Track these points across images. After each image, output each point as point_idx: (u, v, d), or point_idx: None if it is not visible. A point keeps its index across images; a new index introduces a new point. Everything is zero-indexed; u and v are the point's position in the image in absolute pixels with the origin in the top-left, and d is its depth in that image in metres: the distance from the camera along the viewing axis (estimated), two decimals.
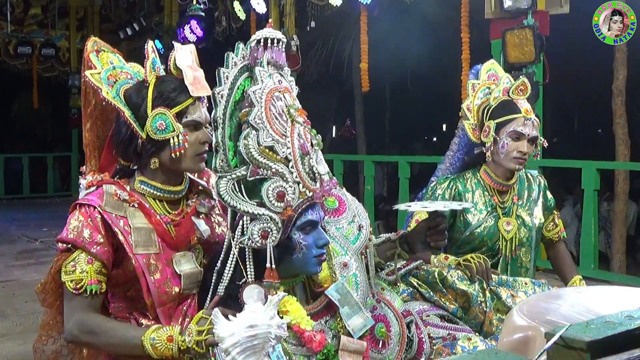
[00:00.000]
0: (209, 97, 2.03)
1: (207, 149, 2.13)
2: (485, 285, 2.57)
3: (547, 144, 3.04)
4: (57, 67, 13.74)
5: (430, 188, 3.04)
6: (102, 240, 2.03)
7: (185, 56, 2.12)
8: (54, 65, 13.69)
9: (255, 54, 1.85)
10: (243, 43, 1.91)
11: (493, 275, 2.63)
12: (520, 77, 2.96)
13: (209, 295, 1.95)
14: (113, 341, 2.00)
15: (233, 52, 1.90)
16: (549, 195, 3.12)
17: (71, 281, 2.02)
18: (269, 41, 1.84)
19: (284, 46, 1.89)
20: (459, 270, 2.59)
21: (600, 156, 6.87)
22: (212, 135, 1.92)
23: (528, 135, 2.87)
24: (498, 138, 2.89)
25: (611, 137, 6.80)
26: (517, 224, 2.94)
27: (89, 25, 14.06)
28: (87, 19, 14.05)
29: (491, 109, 2.94)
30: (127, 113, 2.09)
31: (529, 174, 3.12)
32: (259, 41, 1.85)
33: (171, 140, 2.06)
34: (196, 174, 2.34)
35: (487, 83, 3.07)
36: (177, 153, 2.07)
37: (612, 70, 6.59)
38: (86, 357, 2.26)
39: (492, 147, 2.91)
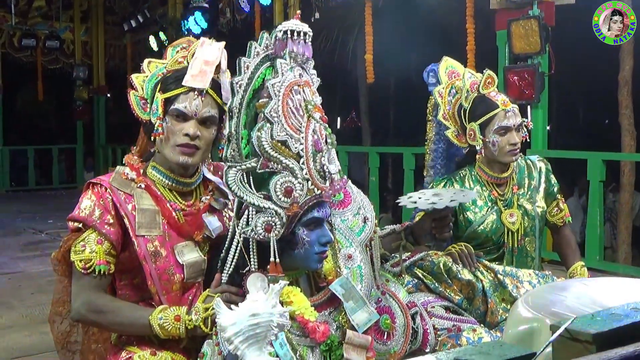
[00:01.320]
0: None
1: (192, 143, 2.07)
2: (474, 270, 2.55)
3: (532, 125, 3.02)
4: (62, 59, 13.77)
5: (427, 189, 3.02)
6: (112, 221, 2.05)
7: (208, 51, 2.12)
8: (59, 57, 13.71)
9: (280, 45, 1.82)
10: (268, 32, 1.89)
11: (486, 263, 2.63)
12: (485, 70, 2.95)
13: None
14: (120, 320, 2.03)
15: (256, 42, 1.87)
16: (553, 180, 3.09)
17: (80, 261, 2.03)
18: (295, 33, 1.81)
19: (310, 39, 1.85)
20: None
21: (606, 147, 6.84)
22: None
23: (514, 126, 2.87)
24: (486, 139, 2.87)
25: (617, 128, 6.78)
26: (520, 214, 2.93)
27: (93, 18, 14.07)
28: (91, 11, 14.06)
29: (467, 110, 2.93)
30: (134, 94, 2.15)
31: (528, 161, 3.10)
32: (285, 32, 1.81)
33: (156, 124, 2.08)
34: (212, 168, 2.32)
35: (450, 83, 3.04)
36: (154, 137, 2.09)
37: (618, 60, 6.56)
38: (96, 336, 2.28)
39: (483, 149, 2.89)
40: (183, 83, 2.07)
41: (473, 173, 2.99)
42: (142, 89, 2.17)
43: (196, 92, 2.07)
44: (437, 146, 3.13)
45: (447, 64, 3.11)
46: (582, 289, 1.93)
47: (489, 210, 2.92)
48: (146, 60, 2.26)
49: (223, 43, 2.17)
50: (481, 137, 2.87)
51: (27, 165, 13.50)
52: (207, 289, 1.97)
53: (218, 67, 2.12)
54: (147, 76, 2.18)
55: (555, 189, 3.09)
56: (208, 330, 1.89)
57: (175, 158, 2.09)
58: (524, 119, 2.95)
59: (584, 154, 6.04)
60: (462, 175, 3.00)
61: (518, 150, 2.89)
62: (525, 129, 2.96)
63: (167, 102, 2.08)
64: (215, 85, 2.12)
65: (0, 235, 8.05)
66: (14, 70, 13.91)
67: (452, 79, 3.06)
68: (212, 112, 2.10)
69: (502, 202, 2.94)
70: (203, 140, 2.10)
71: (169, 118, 2.08)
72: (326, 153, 1.85)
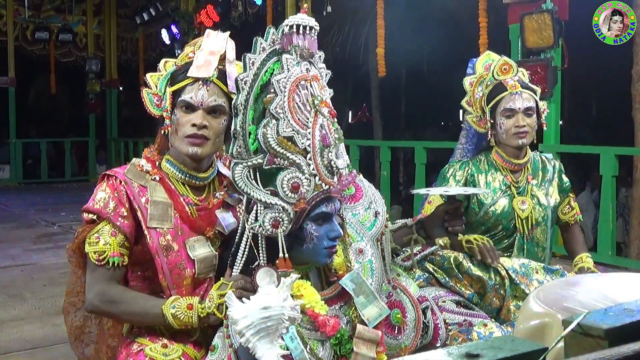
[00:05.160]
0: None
1: (200, 133, 2.07)
2: (496, 265, 2.55)
3: (548, 110, 3.04)
4: (74, 52, 13.85)
5: (443, 172, 3.05)
6: (126, 213, 2.06)
7: (214, 42, 2.14)
8: (71, 50, 13.80)
9: (287, 39, 1.80)
10: (275, 27, 1.86)
11: (502, 258, 2.62)
12: (501, 57, 3.01)
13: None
14: (133, 310, 2.04)
15: (262, 37, 1.85)
16: (565, 178, 3.13)
17: (94, 252, 2.04)
18: (301, 28, 1.79)
19: (316, 34, 1.84)
20: None
21: (619, 142, 6.79)
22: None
23: (519, 108, 2.90)
24: (495, 121, 2.93)
25: (630, 122, 6.73)
26: (533, 203, 2.95)
27: (105, 11, 14.14)
28: (104, 4, 14.12)
29: (485, 96, 2.99)
30: (147, 91, 2.17)
31: (543, 157, 3.14)
32: (290, 27, 1.80)
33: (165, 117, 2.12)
34: (228, 162, 2.32)
35: (483, 75, 3.07)
36: (164, 131, 2.13)
37: (631, 54, 6.51)
38: (111, 331, 2.29)
39: (491, 131, 2.95)
40: (188, 74, 2.08)
41: (489, 158, 3.02)
42: (156, 86, 2.18)
43: (201, 82, 2.08)
44: (468, 131, 3.20)
45: (487, 58, 3.13)
46: (594, 284, 1.92)
47: (502, 194, 2.95)
48: (163, 60, 2.27)
49: (228, 33, 2.18)
50: (490, 119, 2.93)
51: (39, 157, 13.59)
52: (222, 278, 1.97)
53: (225, 57, 2.13)
54: (162, 75, 2.20)
55: (567, 187, 3.12)
56: (222, 317, 1.90)
57: (185, 149, 2.10)
58: (543, 103, 2.99)
59: (596, 148, 6.00)
60: (478, 159, 3.04)
61: (525, 134, 2.91)
62: (542, 117, 2.99)
63: (175, 94, 2.10)
64: (222, 75, 2.12)
65: (14, 227, 8.11)
66: (27, 63, 14.01)
67: (487, 72, 3.09)
68: (219, 101, 2.10)
69: (515, 188, 2.97)
70: (212, 130, 2.10)
71: (178, 110, 2.10)
72: (334, 148, 1.83)
